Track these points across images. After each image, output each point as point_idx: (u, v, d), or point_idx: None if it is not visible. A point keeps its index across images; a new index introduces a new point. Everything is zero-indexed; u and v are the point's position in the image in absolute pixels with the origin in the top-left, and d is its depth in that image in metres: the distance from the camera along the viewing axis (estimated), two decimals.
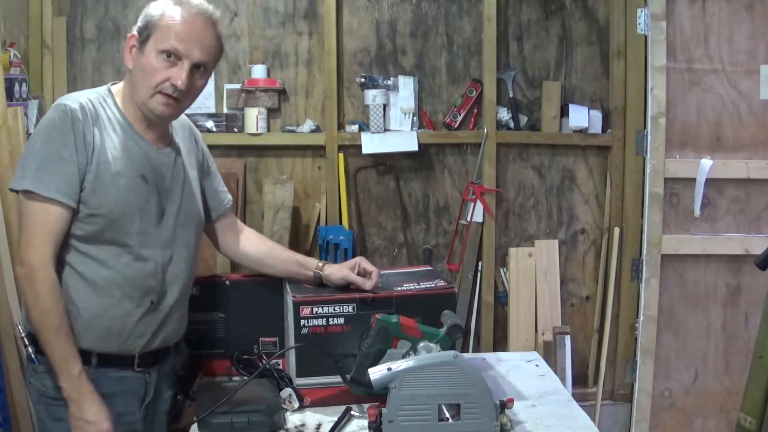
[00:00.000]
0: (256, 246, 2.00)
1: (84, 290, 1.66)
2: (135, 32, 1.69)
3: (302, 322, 1.79)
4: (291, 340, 1.84)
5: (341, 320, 1.81)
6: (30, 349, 1.69)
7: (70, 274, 1.66)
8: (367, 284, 1.89)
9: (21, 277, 1.63)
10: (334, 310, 1.81)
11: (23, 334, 1.71)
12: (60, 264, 1.65)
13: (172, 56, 1.65)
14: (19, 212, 1.68)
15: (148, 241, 1.71)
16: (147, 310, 1.72)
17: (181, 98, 1.70)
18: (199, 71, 1.70)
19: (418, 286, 1.91)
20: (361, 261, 1.94)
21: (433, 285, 1.92)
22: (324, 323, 1.80)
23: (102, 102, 1.70)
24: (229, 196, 2.02)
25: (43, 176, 1.59)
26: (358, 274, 1.92)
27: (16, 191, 1.65)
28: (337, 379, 1.76)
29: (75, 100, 1.66)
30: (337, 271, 1.92)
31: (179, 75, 1.66)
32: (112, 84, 1.78)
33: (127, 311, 1.70)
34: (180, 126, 1.87)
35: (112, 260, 1.67)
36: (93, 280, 1.66)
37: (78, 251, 1.66)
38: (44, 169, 1.60)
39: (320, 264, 1.95)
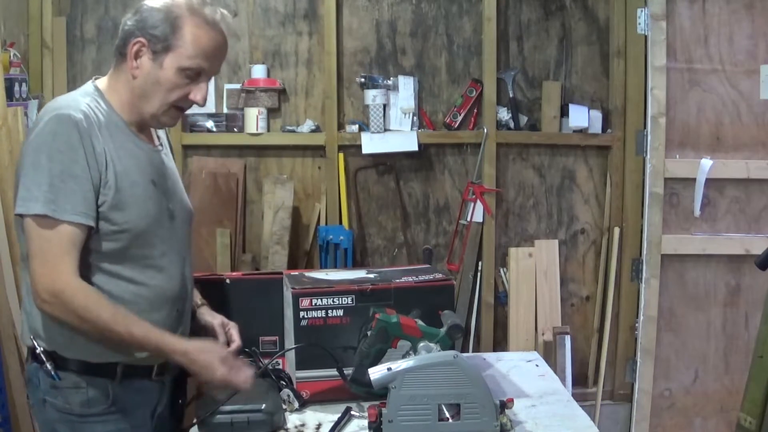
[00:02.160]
0: None
1: None
2: (143, 39, 1.56)
3: (301, 314, 1.80)
4: (290, 333, 1.84)
5: (340, 312, 1.81)
6: (49, 365, 1.58)
7: None
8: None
9: (51, 304, 1.48)
10: (333, 302, 1.81)
11: (39, 350, 1.58)
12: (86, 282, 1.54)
13: (192, 73, 1.59)
14: (26, 236, 1.50)
15: (168, 249, 1.65)
16: (174, 320, 1.68)
17: (189, 107, 1.66)
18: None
19: (417, 279, 1.91)
20: (232, 327, 1.85)
21: (431, 278, 1.92)
22: (323, 315, 1.80)
23: (97, 105, 1.59)
24: None
25: (57, 197, 1.47)
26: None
27: (22, 215, 1.50)
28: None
29: (75, 108, 1.53)
30: (209, 316, 1.85)
31: (201, 92, 1.61)
32: (95, 79, 1.67)
33: (156, 322, 1.61)
34: None
35: (140, 276, 1.60)
36: (120, 297, 1.58)
37: (103, 272, 1.57)
38: (57, 190, 1.47)
39: (199, 301, 1.88)
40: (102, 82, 1.65)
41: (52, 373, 1.57)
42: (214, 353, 1.61)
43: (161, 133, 1.80)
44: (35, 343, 1.59)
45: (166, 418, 1.75)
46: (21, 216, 1.51)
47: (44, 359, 1.58)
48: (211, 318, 1.85)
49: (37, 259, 1.49)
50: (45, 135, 1.50)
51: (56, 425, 1.60)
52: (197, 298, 1.88)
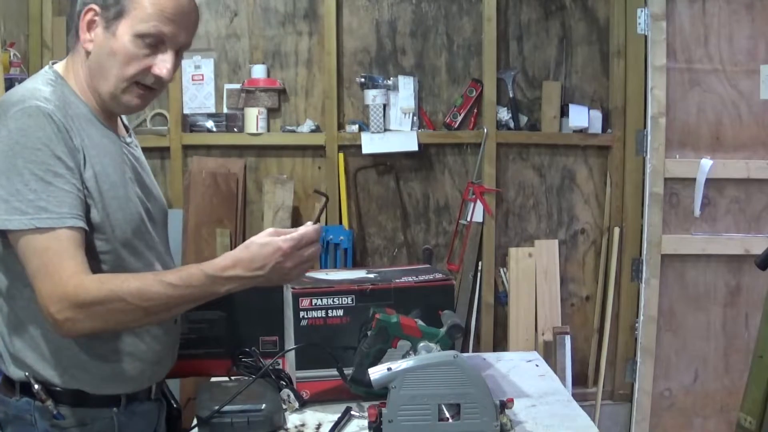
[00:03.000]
0: None
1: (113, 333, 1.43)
2: (95, 5, 1.36)
3: (301, 314, 1.79)
4: (290, 333, 1.84)
5: (340, 312, 1.81)
6: (49, 403, 1.38)
7: None
8: None
9: (74, 320, 1.27)
10: (333, 302, 1.81)
11: (37, 387, 1.38)
12: None
13: (151, 39, 1.36)
14: (20, 254, 1.29)
15: (154, 257, 1.50)
16: (173, 332, 1.58)
17: (158, 87, 1.42)
18: (178, 53, 1.43)
19: (417, 279, 1.91)
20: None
21: (431, 278, 1.92)
22: (323, 315, 1.80)
23: (62, 95, 1.37)
24: None
25: (48, 204, 1.26)
26: None
27: (6, 232, 1.28)
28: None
29: (42, 98, 1.31)
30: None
31: (164, 64, 1.38)
32: (53, 63, 1.46)
33: (156, 336, 1.50)
34: None
35: None
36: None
37: None
38: (45, 195, 1.26)
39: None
40: (61, 66, 1.44)
41: (54, 412, 1.38)
42: (261, 240, 1.37)
43: (126, 120, 1.62)
44: (32, 380, 1.38)
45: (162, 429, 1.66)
46: (3, 233, 1.29)
47: (44, 396, 1.38)
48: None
49: (39, 276, 1.27)
50: (14, 134, 1.27)
51: None
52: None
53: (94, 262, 1.36)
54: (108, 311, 1.29)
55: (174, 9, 1.36)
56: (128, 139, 1.53)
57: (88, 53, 1.39)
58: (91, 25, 1.37)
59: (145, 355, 1.48)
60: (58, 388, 1.39)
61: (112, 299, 1.28)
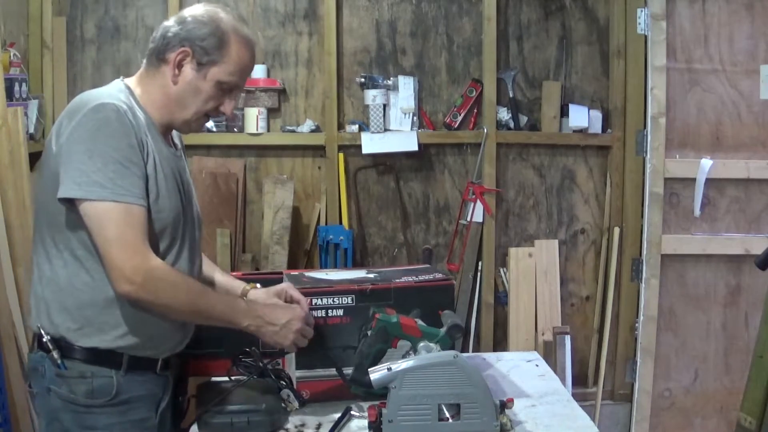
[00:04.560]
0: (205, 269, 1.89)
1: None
2: (189, 49, 1.61)
3: None
4: None
5: (340, 312, 1.81)
6: (55, 353, 1.57)
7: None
8: None
9: (142, 286, 1.50)
10: (333, 301, 1.81)
11: (45, 339, 1.58)
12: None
13: (227, 87, 1.65)
14: (94, 222, 1.50)
15: (179, 251, 1.67)
16: (183, 327, 1.71)
17: (216, 117, 1.77)
18: None
19: (417, 279, 1.91)
20: (288, 288, 1.83)
21: (431, 278, 1.92)
22: (323, 315, 1.80)
23: (130, 103, 1.61)
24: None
25: (124, 183, 1.50)
26: (285, 301, 1.81)
27: (78, 199, 1.49)
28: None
29: (116, 98, 1.56)
30: (263, 296, 1.83)
31: (231, 106, 1.69)
32: (123, 79, 1.70)
33: (166, 321, 1.64)
34: None
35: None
36: None
37: None
38: (123, 175, 1.50)
39: (247, 287, 1.87)
40: (131, 82, 1.68)
41: (59, 362, 1.57)
42: (292, 321, 1.69)
43: (176, 138, 1.81)
44: (42, 331, 1.59)
45: (169, 415, 1.74)
46: (70, 201, 1.50)
47: (51, 347, 1.58)
48: (264, 295, 1.84)
49: (118, 243, 1.49)
50: (96, 121, 1.51)
51: (60, 414, 1.59)
52: (241, 285, 1.89)
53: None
54: (168, 295, 1.54)
55: (249, 68, 1.70)
56: (177, 153, 1.74)
57: (174, 83, 1.63)
58: (181, 62, 1.62)
59: (156, 324, 1.62)
60: (71, 342, 1.58)
61: (174, 290, 1.55)
